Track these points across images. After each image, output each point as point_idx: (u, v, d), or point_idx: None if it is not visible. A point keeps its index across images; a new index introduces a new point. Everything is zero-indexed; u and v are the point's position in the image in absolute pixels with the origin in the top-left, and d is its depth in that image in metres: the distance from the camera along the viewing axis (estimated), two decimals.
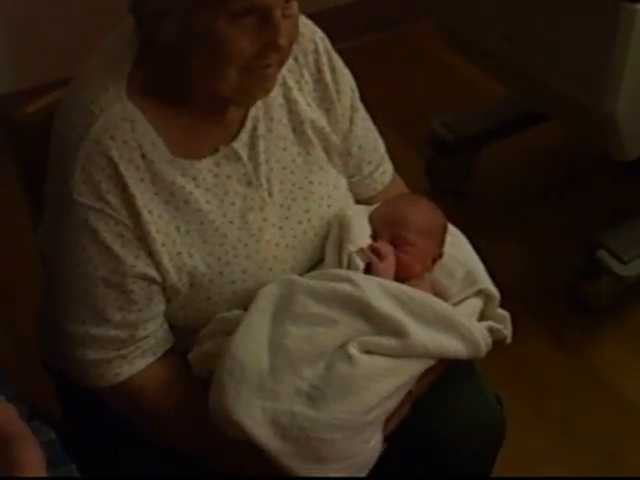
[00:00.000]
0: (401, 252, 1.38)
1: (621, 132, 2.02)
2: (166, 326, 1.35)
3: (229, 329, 1.29)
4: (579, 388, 2.22)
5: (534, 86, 2.21)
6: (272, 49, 1.20)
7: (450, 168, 2.68)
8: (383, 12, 3.12)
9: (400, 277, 1.36)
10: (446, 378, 1.38)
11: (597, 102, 1.99)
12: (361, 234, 1.37)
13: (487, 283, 1.42)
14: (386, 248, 1.36)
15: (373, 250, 1.35)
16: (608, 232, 2.32)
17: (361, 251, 1.34)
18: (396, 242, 1.38)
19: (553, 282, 2.45)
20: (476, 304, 1.40)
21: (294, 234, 1.38)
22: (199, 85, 1.27)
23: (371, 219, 1.42)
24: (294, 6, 1.22)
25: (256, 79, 1.24)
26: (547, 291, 2.43)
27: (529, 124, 2.70)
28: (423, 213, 1.44)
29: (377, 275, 1.33)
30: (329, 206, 1.42)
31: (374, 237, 1.39)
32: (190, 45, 1.21)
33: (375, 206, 1.47)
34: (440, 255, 1.43)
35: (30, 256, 1.50)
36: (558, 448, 2.08)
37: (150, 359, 1.33)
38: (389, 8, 3.10)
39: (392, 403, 1.29)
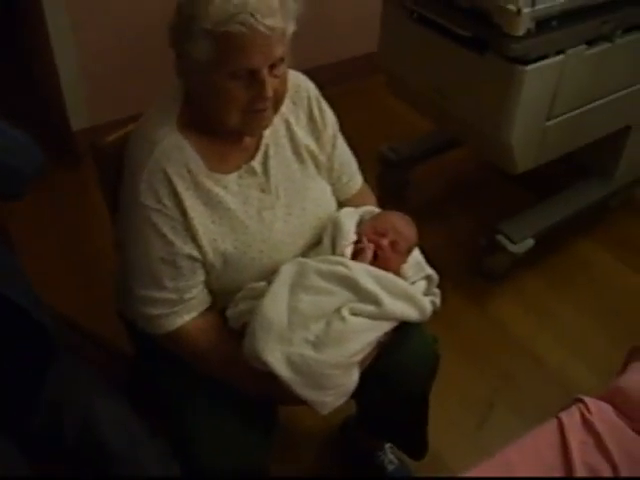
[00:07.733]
0: (394, 253, 1.34)
1: (514, 155, 2.00)
2: (206, 291, 1.30)
3: (257, 295, 1.25)
4: (481, 328, 2.21)
5: (454, 122, 2.17)
6: (260, 98, 1.16)
7: (394, 179, 2.64)
8: (354, 69, 3.13)
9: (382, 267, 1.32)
10: (400, 329, 1.33)
11: (498, 134, 1.96)
12: (348, 232, 1.33)
13: (430, 270, 1.40)
14: (368, 246, 1.32)
15: (361, 248, 1.32)
16: (503, 222, 2.29)
17: (349, 245, 1.31)
18: (393, 246, 1.34)
19: (465, 257, 2.41)
20: (423, 285, 1.38)
21: (295, 225, 1.33)
22: (216, 122, 1.22)
23: (373, 223, 1.38)
24: (281, 69, 1.18)
25: (254, 119, 1.21)
26: (460, 264, 2.40)
27: (448, 149, 2.66)
28: (413, 233, 1.40)
29: (361, 262, 1.30)
30: (319, 206, 1.37)
31: (358, 234, 1.35)
32: (208, 95, 1.17)
33: (372, 213, 1.42)
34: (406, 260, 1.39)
35: (107, 239, 1.46)
36: (470, 368, 2.07)
37: (194, 314, 1.28)
38: (358, 67, 3.12)
39: (369, 349, 1.27)
